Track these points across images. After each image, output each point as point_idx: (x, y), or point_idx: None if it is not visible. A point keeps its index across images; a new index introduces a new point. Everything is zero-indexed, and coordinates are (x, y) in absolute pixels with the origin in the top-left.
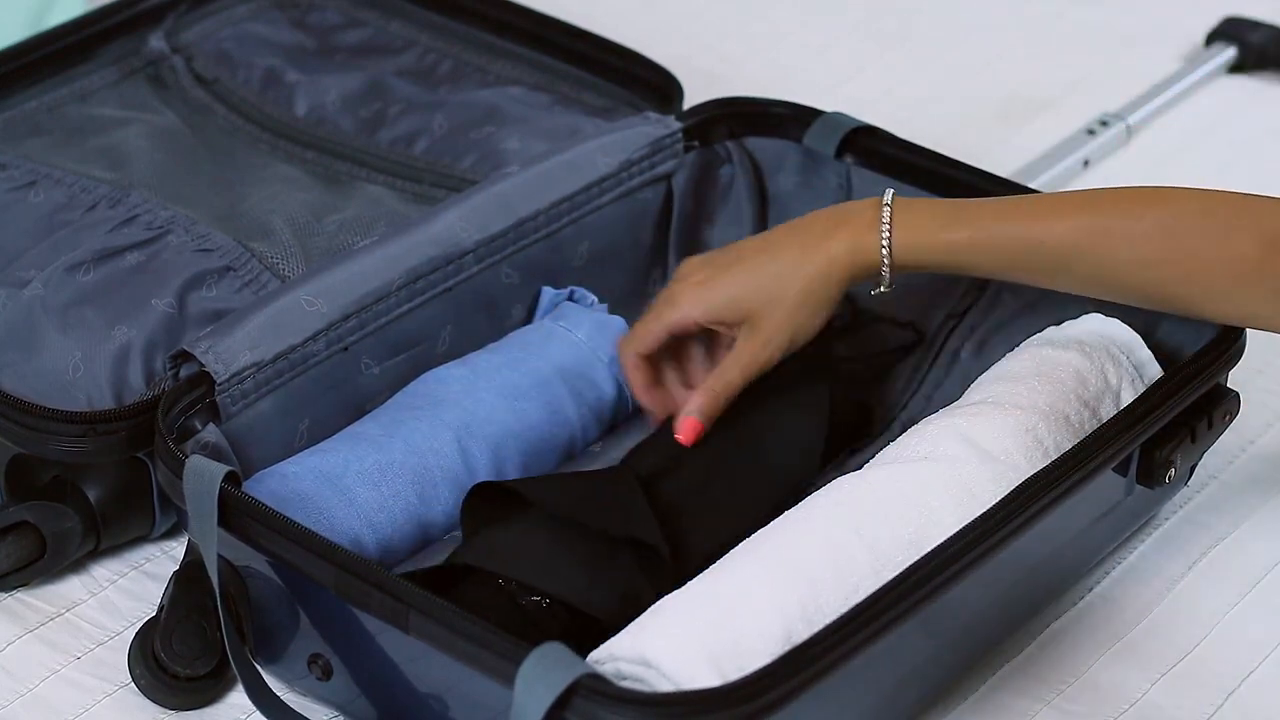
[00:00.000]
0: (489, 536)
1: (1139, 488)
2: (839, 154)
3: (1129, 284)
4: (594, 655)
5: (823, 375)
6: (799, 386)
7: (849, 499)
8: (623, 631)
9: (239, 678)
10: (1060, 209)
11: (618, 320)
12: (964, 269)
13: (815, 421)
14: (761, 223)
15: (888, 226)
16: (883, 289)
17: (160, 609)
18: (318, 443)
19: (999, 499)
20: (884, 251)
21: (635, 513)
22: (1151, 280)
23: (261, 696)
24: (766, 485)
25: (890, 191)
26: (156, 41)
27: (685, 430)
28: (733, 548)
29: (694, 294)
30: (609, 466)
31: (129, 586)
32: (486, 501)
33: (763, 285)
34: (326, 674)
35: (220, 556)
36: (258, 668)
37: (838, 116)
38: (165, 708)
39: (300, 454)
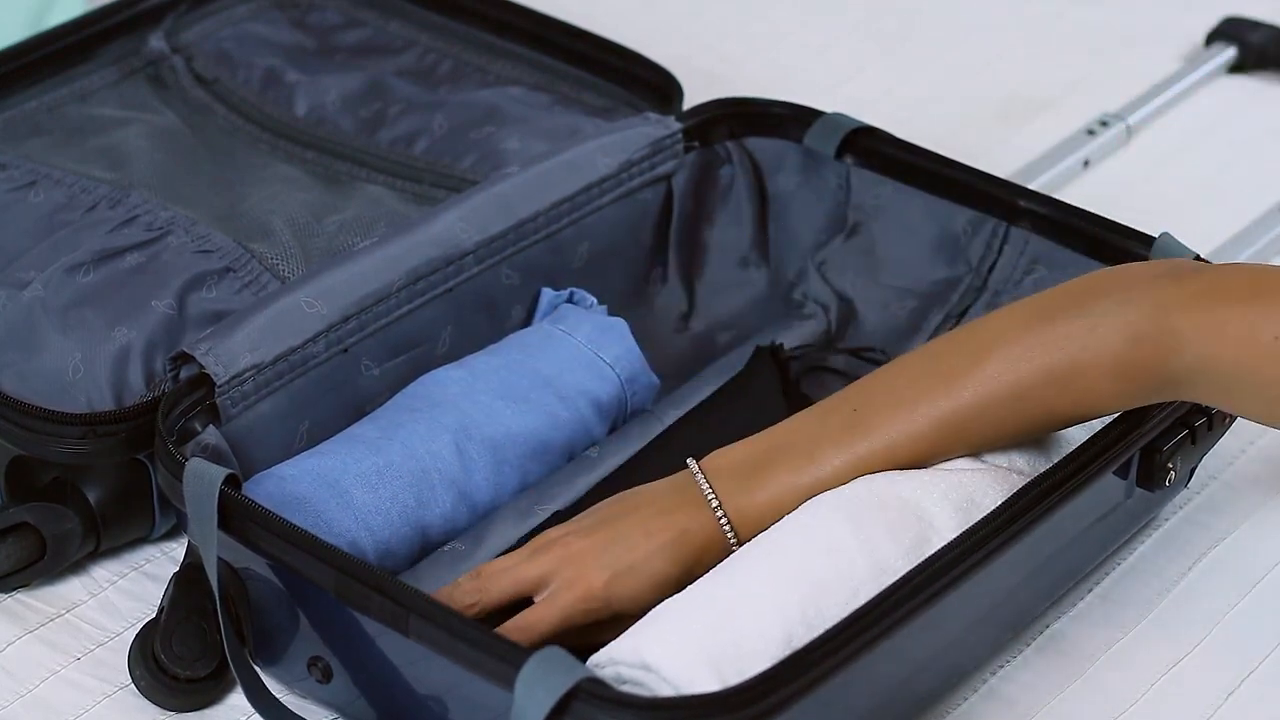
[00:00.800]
0: None
1: (1139, 490)
2: (839, 154)
3: (1012, 431)
4: (594, 659)
5: (775, 397)
6: (752, 409)
7: (849, 503)
8: (622, 635)
9: (238, 680)
10: (886, 407)
11: (618, 322)
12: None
13: None
14: (761, 223)
15: (714, 498)
16: None
17: (160, 610)
18: (318, 445)
19: (999, 503)
20: (724, 525)
21: None
22: (1030, 412)
23: (261, 699)
24: None
25: (691, 462)
26: (156, 41)
27: None
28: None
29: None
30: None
31: (129, 588)
32: None
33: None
34: (326, 676)
35: (220, 558)
36: (257, 670)
37: (838, 117)
38: (165, 709)
39: (298, 456)
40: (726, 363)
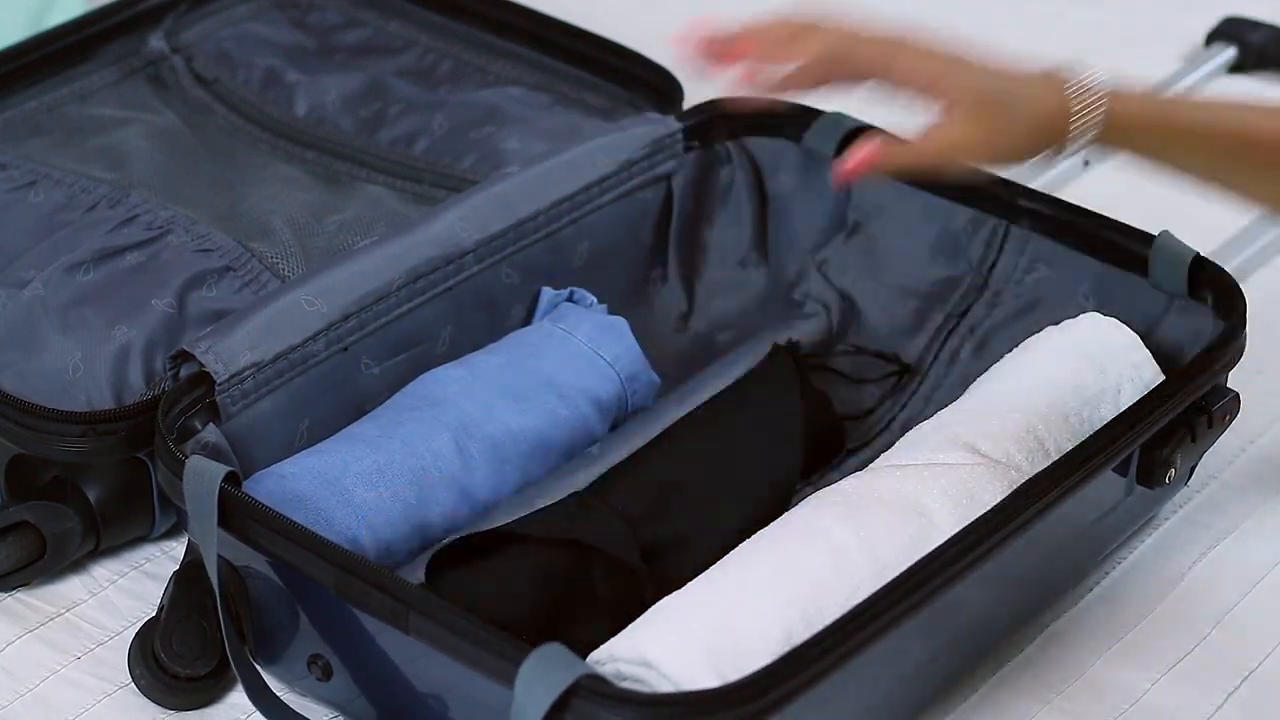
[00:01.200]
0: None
1: (1139, 488)
2: (839, 154)
3: None
4: (594, 656)
5: (791, 395)
6: (768, 406)
7: (849, 500)
8: (622, 632)
9: (239, 678)
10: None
11: (618, 320)
12: (1169, 152)
13: (788, 445)
14: (761, 223)
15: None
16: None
17: (160, 609)
18: (317, 443)
19: (999, 500)
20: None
21: (610, 533)
22: None
23: (261, 697)
24: (738, 506)
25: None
26: (156, 41)
27: (847, 168)
28: (708, 567)
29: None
30: (575, 494)
31: (129, 586)
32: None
33: (1006, 78)
34: (326, 674)
35: (220, 556)
36: (257, 668)
37: (837, 117)
38: (165, 708)
39: (298, 455)
40: (727, 362)
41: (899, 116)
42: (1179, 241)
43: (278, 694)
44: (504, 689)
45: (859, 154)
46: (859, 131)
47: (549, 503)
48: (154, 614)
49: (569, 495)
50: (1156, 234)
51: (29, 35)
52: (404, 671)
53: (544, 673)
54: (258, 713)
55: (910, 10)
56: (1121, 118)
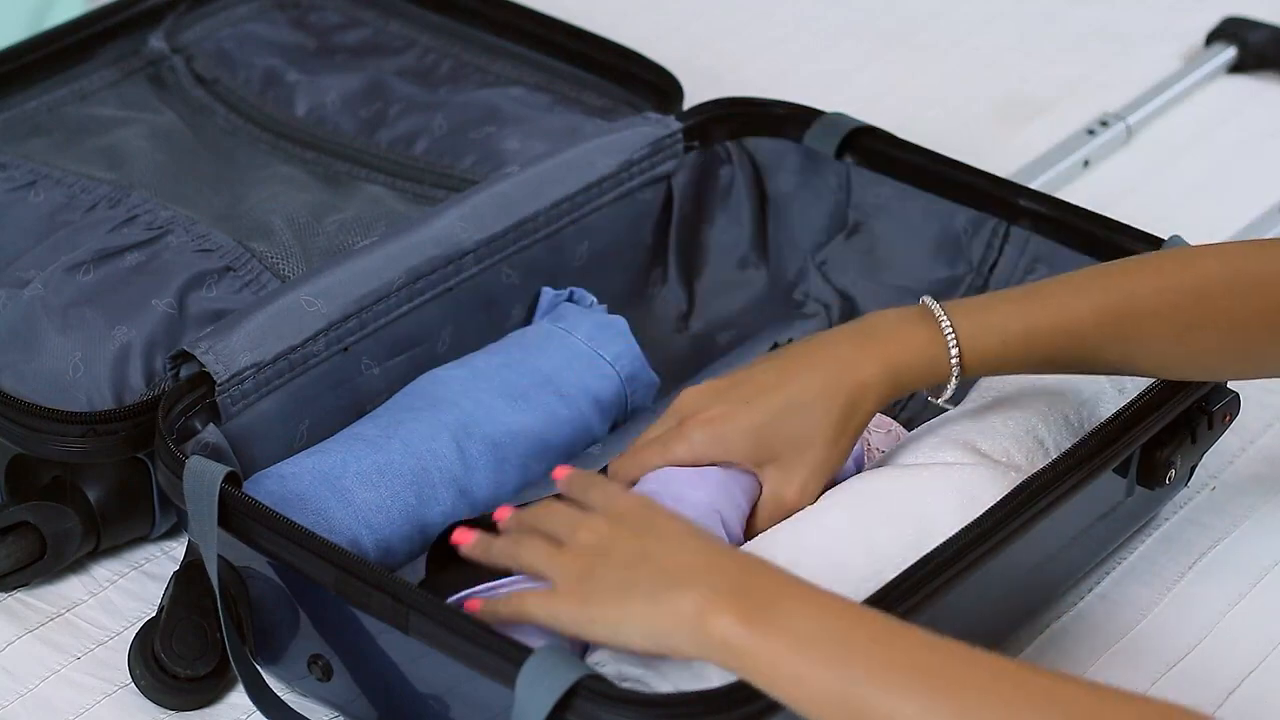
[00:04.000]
0: (457, 578)
1: (1139, 489)
2: (839, 154)
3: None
4: (593, 656)
5: None
6: None
7: (850, 501)
8: None
9: (240, 678)
10: (1083, 292)
11: (617, 320)
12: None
13: None
14: (761, 222)
15: (953, 336)
16: (943, 398)
17: (160, 609)
18: (318, 443)
19: (999, 500)
20: (954, 361)
21: None
22: (1188, 351)
23: (263, 697)
24: None
25: (927, 299)
26: (156, 41)
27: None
28: None
29: (707, 431)
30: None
31: (129, 586)
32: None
33: (787, 423)
34: (326, 675)
35: (220, 557)
36: (259, 668)
37: (838, 117)
38: (165, 708)
39: (298, 455)
40: (727, 362)
41: (899, 115)
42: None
43: (278, 694)
44: (504, 689)
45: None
46: (859, 131)
47: None
48: (154, 614)
49: None
50: (1155, 234)
51: (29, 35)
52: (404, 672)
53: (545, 673)
54: (258, 713)
55: (911, 11)
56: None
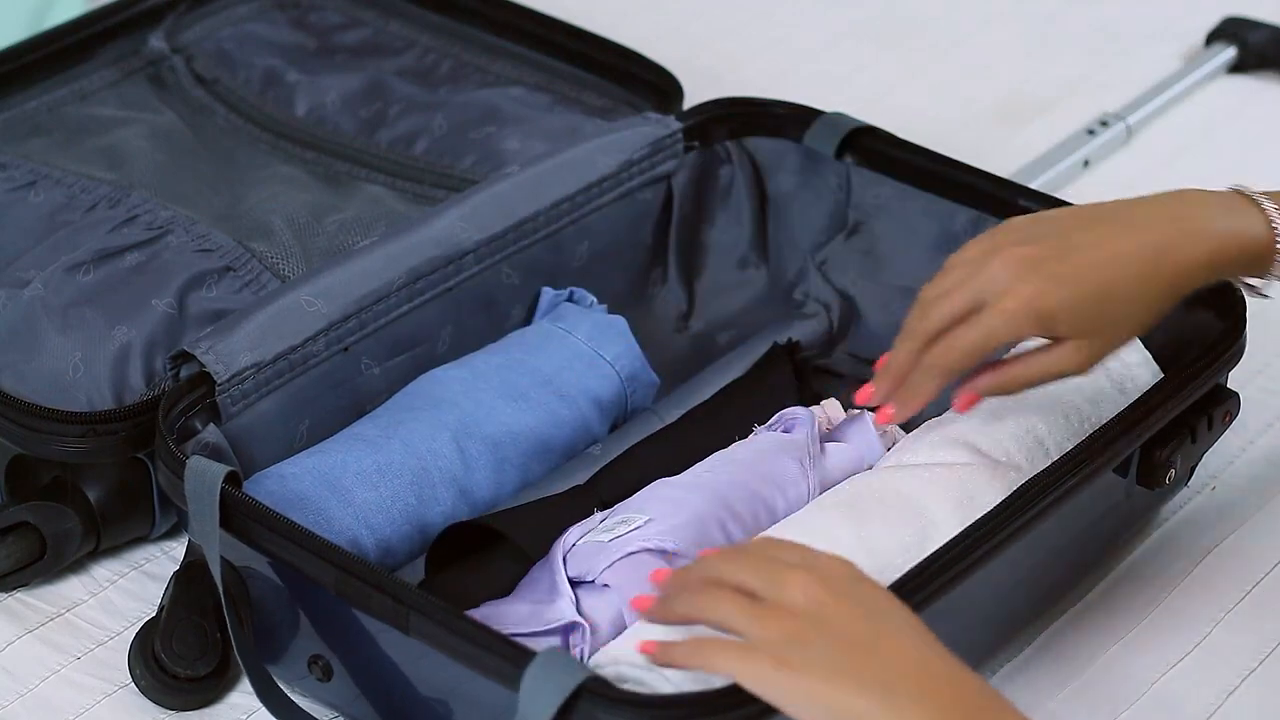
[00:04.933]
0: (458, 577)
1: (1139, 489)
2: (839, 154)
3: None
4: (596, 659)
5: (789, 395)
6: (765, 406)
7: (850, 501)
8: (624, 634)
9: (247, 677)
10: None
11: (617, 319)
12: None
13: None
14: (761, 223)
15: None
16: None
17: (160, 609)
18: (318, 443)
19: (999, 500)
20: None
21: None
22: None
23: (269, 695)
24: None
25: (1238, 187)
26: (156, 41)
27: (963, 400)
28: None
29: (1029, 312)
30: (574, 488)
31: (129, 587)
32: (452, 543)
33: (1107, 308)
34: (327, 675)
35: (220, 557)
36: (265, 666)
37: (838, 117)
38: (165, 708)
39: (298, 455)
40: (727, 362)
41: (899, 115)
42: None
43: (286, 693)
44: (506, 691)
45: (965, 396)
46: (860, 131)
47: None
48: (154, 614)
49: (565, 490)
50: None
51: (29, 35)
52: (405, 673)
53: (549, 676)
54: (258, 713)
55: (911, 11)
56: None
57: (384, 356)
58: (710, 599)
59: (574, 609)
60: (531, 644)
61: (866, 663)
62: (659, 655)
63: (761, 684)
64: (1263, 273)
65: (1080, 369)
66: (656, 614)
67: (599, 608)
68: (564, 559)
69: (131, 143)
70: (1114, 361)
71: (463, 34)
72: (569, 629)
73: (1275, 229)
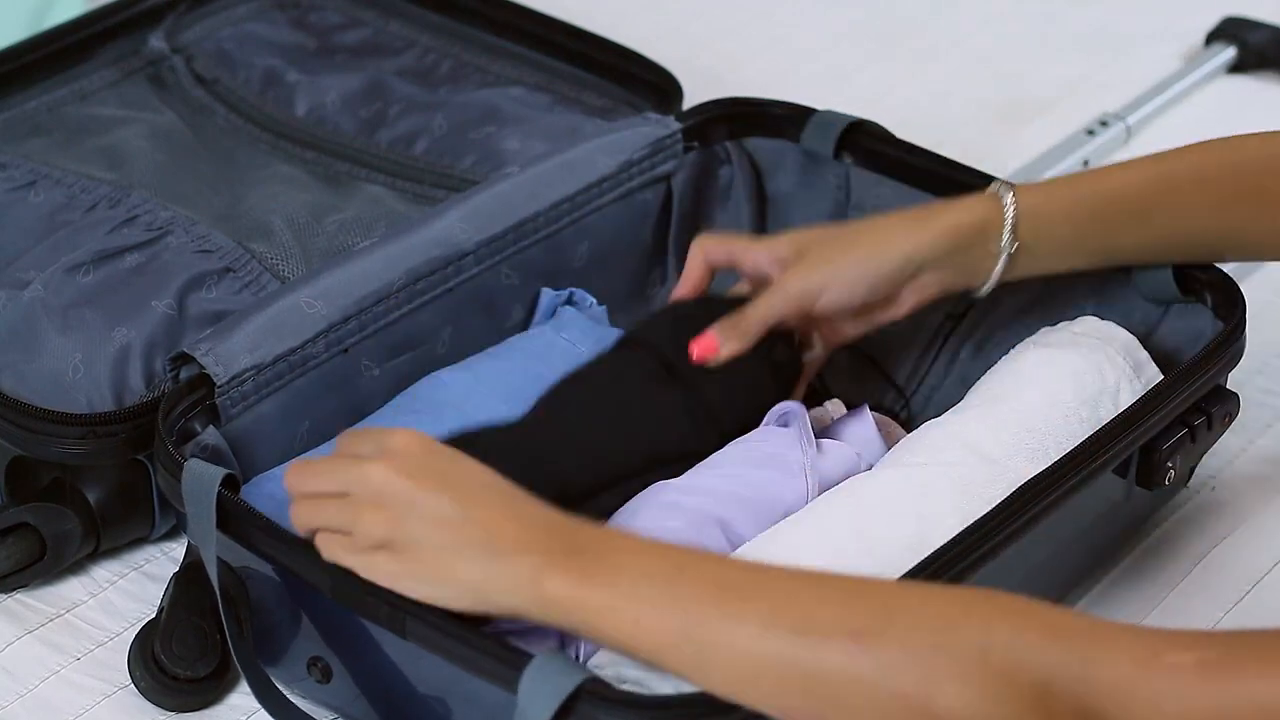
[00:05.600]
0: None
1: (1138, 489)
2: (838, 153)
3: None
4: (594, 660)
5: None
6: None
7: (850, 501)
8: None
9: (245, 679)
10: (1131, 166)
11: (621, 334)
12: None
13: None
14: (761, 224)
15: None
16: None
17: (160, 610)
18: (318, 445)
19: (999, 500)
20: (1008, 210)
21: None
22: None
23: (268, 696)
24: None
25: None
26: (156, 41)
27: (702, 346)
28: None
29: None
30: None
31: (129, 588)
32: None
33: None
34: (326, 677)
35: (219, 559)
36: (264, 668)
37: (829, 114)
38: (165, 709)
39: (298, 457)
40: None
41: (900, 115)
42: None
43: (285, 695)
44: (504, 693)
45: (705, 341)
46: (856, 129)
47: None
48: (154, 615)
49: None
50: None
51: (29, 35)
52: (404, 674)
53: (547, 677)
54: (258, 714)
55: (911, 11)
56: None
57: (384, 358)
58: (310, 509)
59: None
60: (524, 642)
61: (463, 532)
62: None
63: (382, 576)
64: (995, 240)
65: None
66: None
67: None
68: None
69: (131, 143)
70: (1113, 363)
71: (463, 34)
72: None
73: (1003, 198)
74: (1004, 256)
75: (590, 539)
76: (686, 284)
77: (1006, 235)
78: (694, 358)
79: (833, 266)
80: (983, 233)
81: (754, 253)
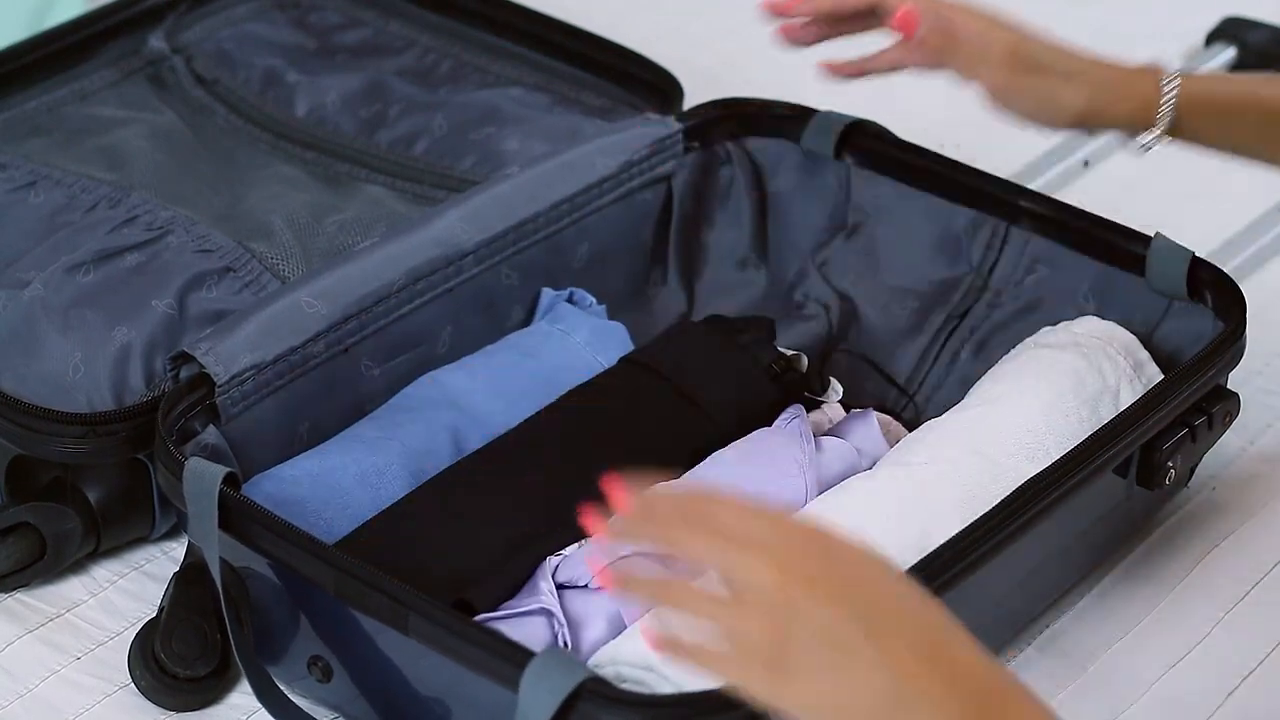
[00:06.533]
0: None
1: (1139, 489)
2: (838, 153)
3: None
4: (595, 659)
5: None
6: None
7: (850, 501)
8: (623, 635)
9: (246, 678)
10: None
11: (617, 326)
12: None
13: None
14: (761, 223)
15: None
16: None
17: (160, 610)
18: (318, 445)
19: (999, 500)
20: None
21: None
22: None
23: (269, 696)
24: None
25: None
26: (156, 41)
27: (904, 18)
28: None
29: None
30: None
31: (129, 587)
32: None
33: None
34: (326, 676)
35: (220, 558)
36: (265, 667)
37: (829, 115)
38: (165, 708)
39: (297, 457)
40: None
41: (900, 115)
42: (1175, 244)
43: (286, 694)
44: (505, 691)
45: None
46: (855, 128)
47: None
48: (154, 615)
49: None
50: (1152, 236)
51: (29, 35)
52: (404, 673)
53: (549, 676)
54: (258, 714)
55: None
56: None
57: (384, 358)
58: (676, 592)
59: (553, 598)
60: (509, 629)
61: (860, 656)
62: (660, 644)
63: (761, 692)
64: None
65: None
66: (619, 590)
67: (593, 610)
68: (554, 569)
69: (131, 143)
70: (1113, 363)
71: (463, 34)
72: (548, 616)
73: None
74: (1159, 130)
75: (1003, 692)
76: None
77: (1165, 115)
78: (895, 26)
79: (1005, 94)
80: (1142, 111)
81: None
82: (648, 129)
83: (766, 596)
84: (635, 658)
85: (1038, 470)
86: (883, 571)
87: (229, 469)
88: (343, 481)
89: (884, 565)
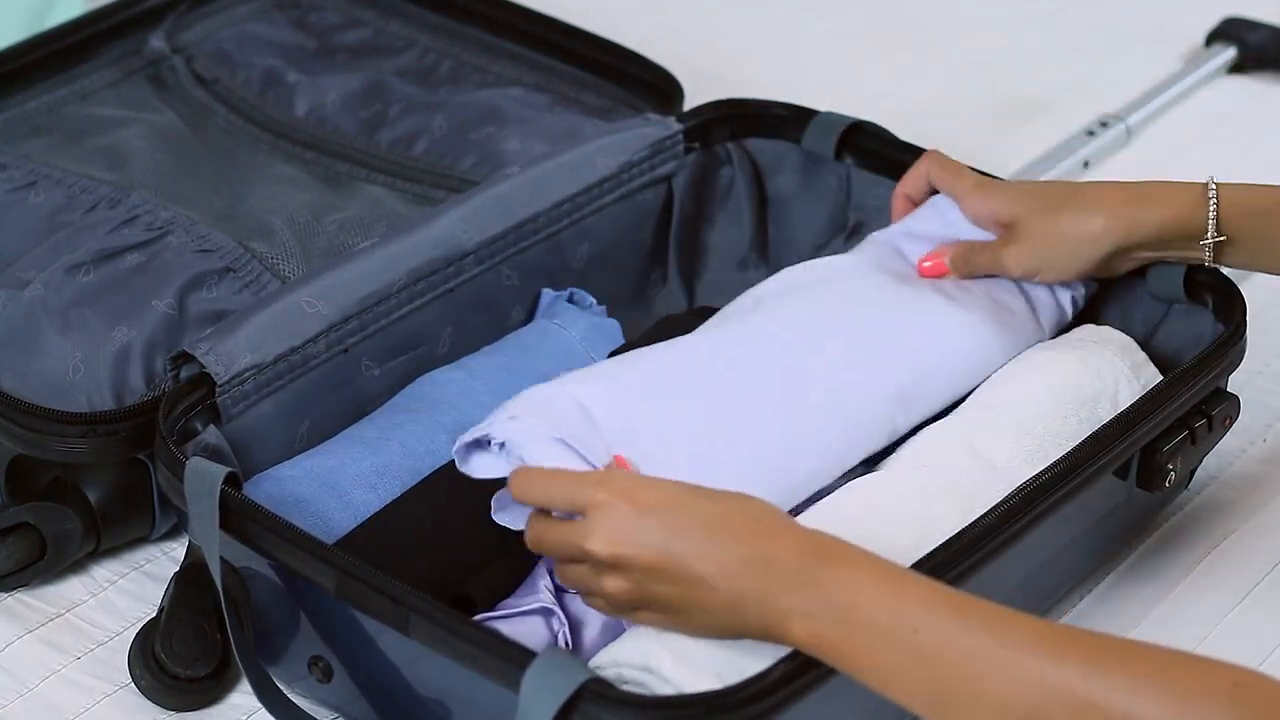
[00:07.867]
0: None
1: (1139, 491)
2: (838, 155)
3: None
4: (595, 660)
5: None
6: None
7: (850, 506)
8: (623, 636)
9: (246, 678)
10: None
11: (612, 323)
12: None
13: None
14: (761, 224)
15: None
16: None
17: (160, 610)
18: (318, 445)
19: (999, 502)
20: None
21: None
22: None
23: (269, 696)
24: None
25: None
26: (156, 41)
27: (933, 265)
28: None
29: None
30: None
31: (129, 587)
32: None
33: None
34: (327, 676)
35: (220, 558)
36: (265, 667)
37: (830, 116)
38: (165, 708)
39: (297, 457)
40: None
41: (900, 116)
42: None
43: (286, 694)
44: (506, 692)
45: (934, 263)
46: (856, 129)
47: None
48: (154, 615)
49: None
50: None
51: (29, 35)
52: (404, 673)
53: (550, 677)
54: (258, 714)
55: (911, 11)
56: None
57: (384, 358)
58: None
59: (552, 596)
60: (509, 628)
61: (745, 618)
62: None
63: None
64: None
65: (1011, 265)
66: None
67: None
68: (552, 568)
69: (131, 143)
70: (1112, 365)
71: (463, 34)
72: (547, 615)
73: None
74: (1208, 249)
75: (825, 545)
76: (907, 183)
77: (1210, 229)
78: (922, 272)
79: (1049, 252)
80: (1190, 224)
81: (975, 203)
82: (648, 129)
83: (630, 596)
84: (636, 659)
85: (1037, 472)
86: (698, 511)
87: (230, 469)
88: (343, 481)
89: (700, 506)
